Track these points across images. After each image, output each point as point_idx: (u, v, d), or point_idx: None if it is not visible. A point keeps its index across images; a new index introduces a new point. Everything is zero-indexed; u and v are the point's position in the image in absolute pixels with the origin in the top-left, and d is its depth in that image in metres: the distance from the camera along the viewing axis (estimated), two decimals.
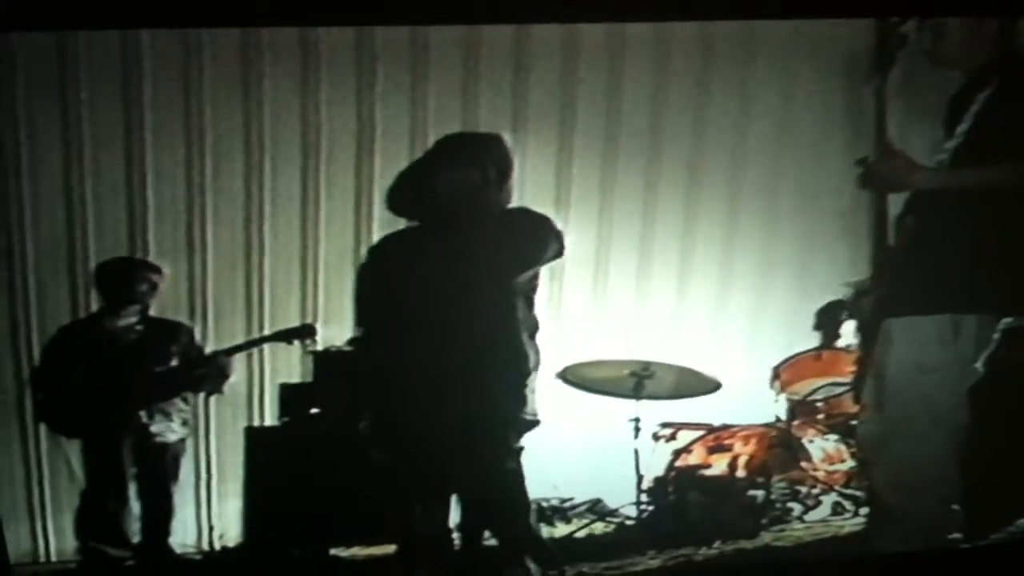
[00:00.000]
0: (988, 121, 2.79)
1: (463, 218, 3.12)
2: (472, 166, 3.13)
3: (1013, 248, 2.82)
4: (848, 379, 4.03)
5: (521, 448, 3.22)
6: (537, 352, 3.19)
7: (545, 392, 3.30)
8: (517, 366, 3.14)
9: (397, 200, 3.24)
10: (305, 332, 3.78)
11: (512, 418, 3.15)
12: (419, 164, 3.30)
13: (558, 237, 3.21)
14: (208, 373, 3.73)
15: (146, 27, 3.62)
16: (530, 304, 3.19)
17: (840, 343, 4.28)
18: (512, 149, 3.21)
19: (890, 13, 2.94)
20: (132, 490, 3.63)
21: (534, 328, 3.19)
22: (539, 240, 3.18)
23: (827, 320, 4.31)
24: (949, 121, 2.89)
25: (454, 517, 3.26)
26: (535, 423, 3.20)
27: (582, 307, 4.22)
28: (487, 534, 3.25)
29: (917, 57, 2.95)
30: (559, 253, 3.23)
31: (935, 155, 2.89)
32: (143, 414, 3.63)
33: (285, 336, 3.79)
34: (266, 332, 3.94)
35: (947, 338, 2.82)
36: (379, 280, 3.24)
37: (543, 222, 3.23)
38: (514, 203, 3.25)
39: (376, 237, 3.74)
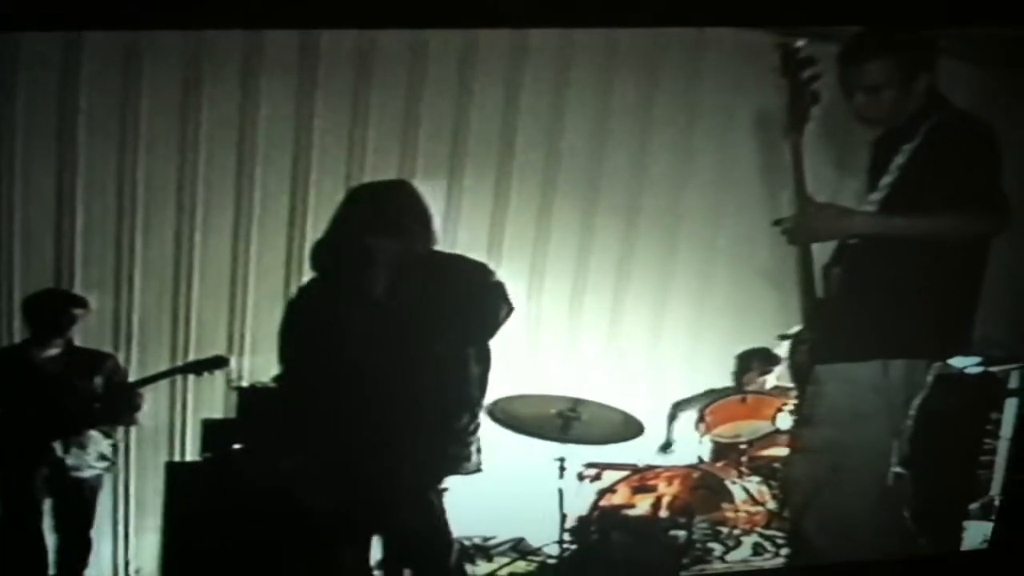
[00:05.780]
0: (912, 174, 2.85)
1: (392, 278, 3.08)
2: (392, 233, 3.08)
3: (940, 293, 2.87)
4: (771, 423, 4.11)
5: (445, 488, 3.22)
6: (476, 404, 3.19)
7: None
8: (448, 413, 3.14)
9: (318, 263, 3.19)
10: (216, 364, 3.71)
11: (437, 460, 3.15)
12: (335, 227, 3.17)
13: (505, 299, 3.17)
14: (118, 405, 3.67)
15: (83, 29, 3.44)
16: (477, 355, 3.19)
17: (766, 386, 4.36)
18: (421, 193, 3.16)
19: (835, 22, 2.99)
20: (48, 524, 3.56)
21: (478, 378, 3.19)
22: (489, 308, 3.15)
23: (750, 365, 4.38)
24: (873, 172, 2.96)
25: (375, 556, 3.25)
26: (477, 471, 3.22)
27: (512, 341, 4.22)
28: (408, 573, 3.24)
29: (832, 111, 3.02)
30: (509, 314, 3.20)
31: (860, 205, 2.95)
32: (58, 447, 3.56)
33: (196, 368, 3.73)
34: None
35: (877, 384, 2.85)
36: (307, 321, 3.20)
37: (484, 279, 3.19)
38: (445, 241, 3.26)
39: (307, 272, 3.70)
